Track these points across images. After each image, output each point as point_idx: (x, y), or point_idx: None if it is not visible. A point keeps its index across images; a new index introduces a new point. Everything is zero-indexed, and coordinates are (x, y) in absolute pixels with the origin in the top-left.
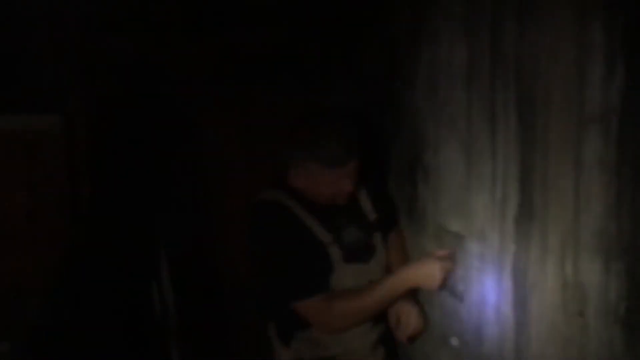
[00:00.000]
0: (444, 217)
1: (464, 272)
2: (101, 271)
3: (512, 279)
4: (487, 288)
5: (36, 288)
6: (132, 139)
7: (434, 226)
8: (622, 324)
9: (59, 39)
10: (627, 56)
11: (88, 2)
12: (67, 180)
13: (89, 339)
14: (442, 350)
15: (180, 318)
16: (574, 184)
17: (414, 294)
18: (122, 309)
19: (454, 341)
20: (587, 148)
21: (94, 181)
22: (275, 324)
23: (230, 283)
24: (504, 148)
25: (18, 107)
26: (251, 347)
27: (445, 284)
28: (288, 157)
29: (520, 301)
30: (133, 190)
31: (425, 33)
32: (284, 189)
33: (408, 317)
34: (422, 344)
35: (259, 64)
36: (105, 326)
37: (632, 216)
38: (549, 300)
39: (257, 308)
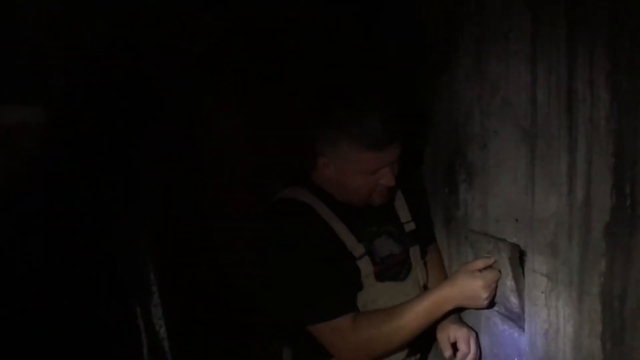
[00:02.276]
0: (496, 226)
1: (526, 292)
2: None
3: (600, 304)
4: (559, 315)
5: None
6: (122, 130)
7: (481, 237)
8: None
9: (43, 22)
10: None
11: None
12: (48, 175)
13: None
14: None
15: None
16: None
17: (459, 314)
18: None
19: None
20: None
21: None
22: (290, 348)
23: (227, 288)
24: (588, 135)
25: None
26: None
27: (493, 301)
28: (317, 138)
29: (614, 334)
30: (119, 182)
31: (467, 4)
32: (307, 186)
33: (467, 343)
34: None
35: (269, 48)
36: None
37: None
38: None
39: (270, 327)
